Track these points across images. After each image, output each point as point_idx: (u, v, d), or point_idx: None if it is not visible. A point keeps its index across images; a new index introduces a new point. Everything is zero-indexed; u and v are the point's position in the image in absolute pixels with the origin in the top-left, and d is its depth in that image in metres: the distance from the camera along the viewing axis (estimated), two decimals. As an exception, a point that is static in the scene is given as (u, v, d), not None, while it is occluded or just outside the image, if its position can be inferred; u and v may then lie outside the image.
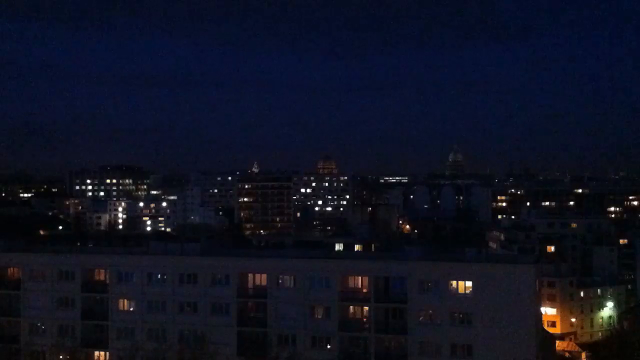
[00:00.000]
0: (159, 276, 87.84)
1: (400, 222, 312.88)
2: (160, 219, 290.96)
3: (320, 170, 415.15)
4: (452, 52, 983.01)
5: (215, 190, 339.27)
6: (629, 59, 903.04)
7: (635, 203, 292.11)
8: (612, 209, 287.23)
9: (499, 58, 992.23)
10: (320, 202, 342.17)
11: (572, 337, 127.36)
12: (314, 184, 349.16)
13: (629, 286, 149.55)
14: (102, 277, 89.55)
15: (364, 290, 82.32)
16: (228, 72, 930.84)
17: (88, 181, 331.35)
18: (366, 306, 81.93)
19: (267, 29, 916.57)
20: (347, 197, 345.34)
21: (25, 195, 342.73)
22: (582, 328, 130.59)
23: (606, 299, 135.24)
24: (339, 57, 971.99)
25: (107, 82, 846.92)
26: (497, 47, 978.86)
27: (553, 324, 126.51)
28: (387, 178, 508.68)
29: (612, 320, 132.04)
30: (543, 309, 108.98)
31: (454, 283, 79.44)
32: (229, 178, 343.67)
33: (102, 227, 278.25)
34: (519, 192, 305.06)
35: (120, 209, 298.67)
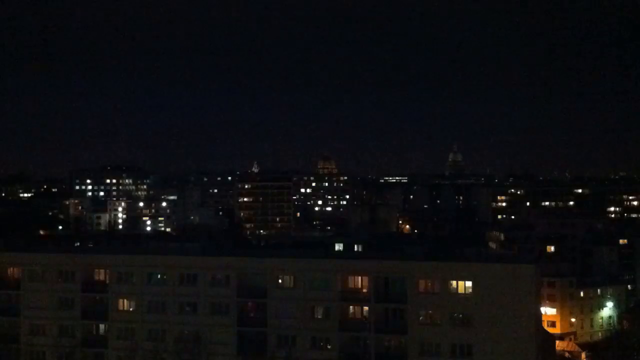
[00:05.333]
0: (159, 276, 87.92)
1: (400, 222, 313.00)
2: (160, 219, 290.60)
3: (320, 170, 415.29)
4: (452, 51, 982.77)
5: (215, 190, 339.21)
6: (629, 58, 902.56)
7: (635, 203, 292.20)
8: (612, 209, 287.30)
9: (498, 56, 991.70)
10: (320, 202, 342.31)
11: (572, 337, 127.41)
12: (314, 184, 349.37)
13: (629, 286, 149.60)
14: (102, 277, 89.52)
15: (364, 290, 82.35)
16: (227, 71, 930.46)
17: (88, 181, 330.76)
18: (366, 306, 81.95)
19: (267, 26, 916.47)
20: (347, 197, 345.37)
21: (25, 195, 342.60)
22: (582, 328, 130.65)
23: (606, 299, 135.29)
24: (339, 53, 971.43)
25: (108, 80, 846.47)
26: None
27: (553, 324, 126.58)
28: (387, 178, 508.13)
29: (612, 320, 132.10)
30: (543, 309, 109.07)
31: (454, 283, 79.50)
32: (229, 178, 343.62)
33: (102, 227, 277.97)
34: (519, 192, 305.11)
35: (120, 209, 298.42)
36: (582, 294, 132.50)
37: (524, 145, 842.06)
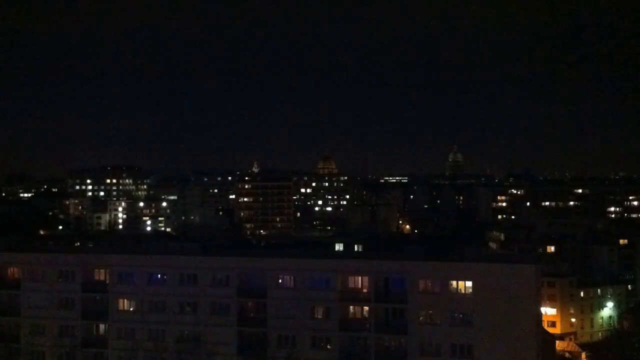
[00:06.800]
0: (159, 276, 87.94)
1: (400, 222, 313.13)
2: (160, 219, 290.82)
3: (320, 170, 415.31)
4: (452, 51, 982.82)
5: (215, 190, 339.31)
6: (629, 58, 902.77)
7: (635, 203, 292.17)
8: (612, 209, 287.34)
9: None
10: (320, 202, 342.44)
11: (572, 337, 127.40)
12: (314, 184, 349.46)
13: (629, 286, 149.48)
14: (102, 277, 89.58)
15: (364, 290, 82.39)
16: (227, 70, 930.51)
17: (88, 181, 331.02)
18: (366, 306, 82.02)
19: (267, 26, 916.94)
20: (347, 197, 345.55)
21: (25, 195, 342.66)
22: (582, 328, 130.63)
23: (606, 299, 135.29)
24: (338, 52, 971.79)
25: (108, 80, 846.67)
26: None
27: (553, 324, 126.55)
28: (387, 178, 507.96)
29: (612, 320, 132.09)
30: (543, 309, 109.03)
31: (454, 283, 79.53)
32: (229, 178, 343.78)
33: (102, 227, 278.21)
34: (519, 192, 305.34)
35: (120, 209, 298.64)
36: (582, 294, 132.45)
37: (524, 145, 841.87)
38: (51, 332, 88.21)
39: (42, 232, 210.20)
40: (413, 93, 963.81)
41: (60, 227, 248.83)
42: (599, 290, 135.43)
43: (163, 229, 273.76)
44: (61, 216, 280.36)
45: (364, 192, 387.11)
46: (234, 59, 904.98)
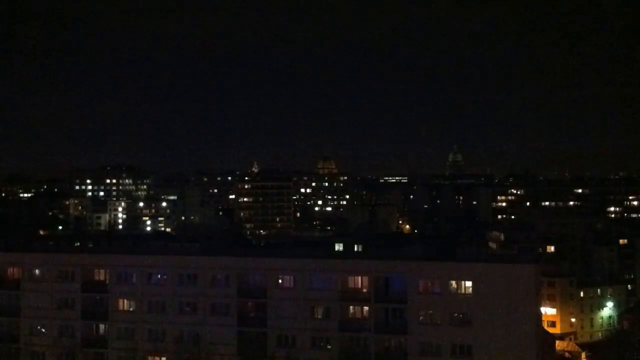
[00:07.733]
0: (159, 276, 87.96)
1: (400, 222, 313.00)
2: (160, 219, 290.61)
3: (320, 170, 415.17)
4: (452, 51, 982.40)
5: (215, 190, 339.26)
6: (629, 57, 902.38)
7: (635, 203, 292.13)
8: (612, 209, 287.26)
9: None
10: (320, 202, 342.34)
11: (572, 337, 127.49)
12: (314, 184, 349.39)
13: (629, 286, 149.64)
14: (102, 277, 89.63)
15: (364, 290, 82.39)
16: (228, 70, 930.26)
17: (88, 181, 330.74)
18: (366, 306, 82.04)
19: (267, 26, 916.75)
20: (347, 197, 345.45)
21: (25, 195, 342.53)
22: (582, 328, 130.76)
23: (606, 299, 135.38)
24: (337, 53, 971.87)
25: (107, 80, 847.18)
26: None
27: (553, 324, 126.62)
28: (387, 178, 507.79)
29: (612, 320, 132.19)
30: (543, 309, 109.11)
31: (454, 283, 79.58)
32: (229, 178, 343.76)
33: (102, 227, 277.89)
34: (519, 192, 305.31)
35: (120, 209, 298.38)
36: (582, 294, 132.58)
37: (524, 145, 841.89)
38: (51, 332, 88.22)
39: (42, 232, 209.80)
40: (413, 93, 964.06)
41: (60, 227, 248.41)
42: (599, 290, 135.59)
43: (163, 229, 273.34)
44: (61, 216, 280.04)
45: (364, 192, 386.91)
46: (235, 58, 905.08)
